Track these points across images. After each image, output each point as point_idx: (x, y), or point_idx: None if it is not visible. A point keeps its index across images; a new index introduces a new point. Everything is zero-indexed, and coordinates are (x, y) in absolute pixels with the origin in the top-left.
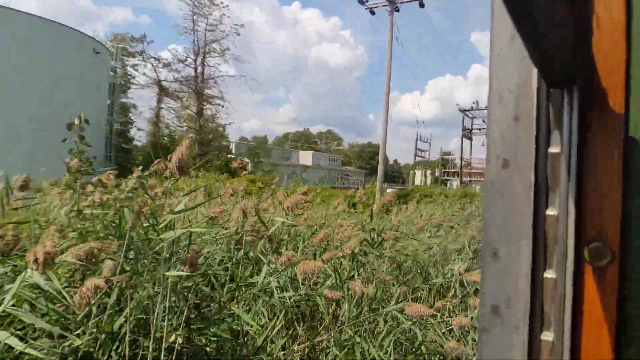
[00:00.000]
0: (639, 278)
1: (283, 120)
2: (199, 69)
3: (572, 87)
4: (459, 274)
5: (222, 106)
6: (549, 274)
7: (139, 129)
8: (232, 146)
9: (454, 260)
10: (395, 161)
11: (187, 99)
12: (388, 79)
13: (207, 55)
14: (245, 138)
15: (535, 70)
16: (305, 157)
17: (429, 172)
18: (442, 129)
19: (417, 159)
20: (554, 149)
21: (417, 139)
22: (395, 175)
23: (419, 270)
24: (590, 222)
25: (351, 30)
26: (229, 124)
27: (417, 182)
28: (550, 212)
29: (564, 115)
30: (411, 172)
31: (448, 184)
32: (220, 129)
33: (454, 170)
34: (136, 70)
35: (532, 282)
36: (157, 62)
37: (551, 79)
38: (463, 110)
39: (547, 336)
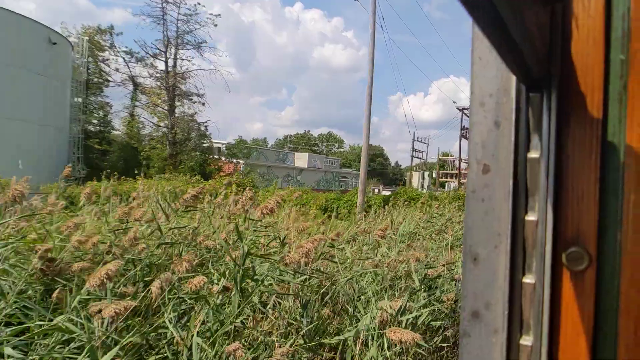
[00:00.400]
0: (615, 281)
1: (285, 123)
2: (170, 63)
3: (550, 90)
4: (382, 322)
5: (203, 103)
6: (527, 279)
7: (112, 130)
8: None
9: (386, 294)
10: (397, 163)
11: (157, 95)
12: (371, 70)
13: (180, 48)
14: (245, 140)
15: (514, 75)
16: (301, 159)
17: (426, 173)
18: (446, 131)
19: (415, 160)
20: (533, 154)
21: (413, 140)
22: (397, 177)
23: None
24: (568, 226)
25: (354, 31)
26: (205, 122)
27: (415, 184)
28: (530, 217)
29: (542, 119)
30: (407, 174)
31: (446, 186)
32: (202, 128)
33: (452, 171)
34: (107, 65)
35: (510, 287)
36: (129, 56)
37: (529, 84)
38: (462, 109)
39: (526, 340)
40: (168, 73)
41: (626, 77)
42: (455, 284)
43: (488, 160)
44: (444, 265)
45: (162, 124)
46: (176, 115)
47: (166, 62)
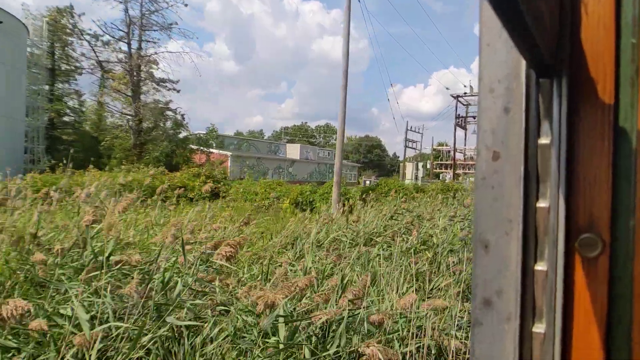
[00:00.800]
0: (629, 268)
1: (285, 116)
2: (135, 45)
3: (561, 76)
4: None
5: (178, 90)
6: (539, 266)
7: (76, 119)
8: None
9: None
10: (395, 154)
11: (120, 80)
12: (346, 44)
13: (146, 30)
14: (241, 132)
15: (524, 61)
16: (293, 151)
17: (420, 164)
18: (445, 122)
19: (411, 151)
20: (544, 140)
21: (406, 129)
22: (394, 169)
23: None
24: (581, 213)
25: (353, 23)
26: (177, 108)
27: (408, 175)
28: (541, 203)
29: (553, 105)
30: (401, 164)
31: (441, 177)
32: (178, 117)
33: (447, 162)
34: (73, 50)
35: (523, 274)
36: (94, 39)
37: (540, 69)
38: (456, 97)
39: (539, 328)
40: (131, 56)
41: (637, 62)
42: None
43: (498, 147)
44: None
45: (127, 111)
46: (141, 101)
47: (129, 44)
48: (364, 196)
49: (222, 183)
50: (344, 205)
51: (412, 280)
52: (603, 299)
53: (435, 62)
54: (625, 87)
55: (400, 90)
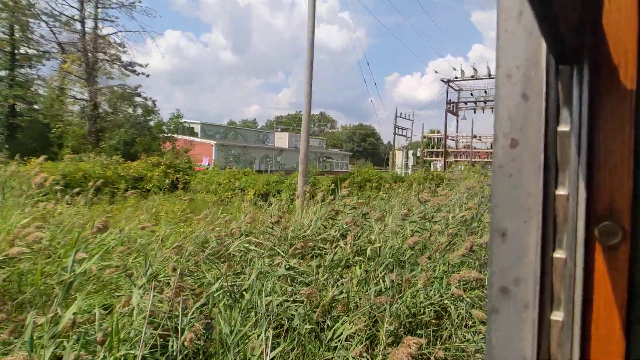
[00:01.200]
0: None
1: (283, 105)
2: (89, 24)
3: (581, 62)
4: None
5: (148, 75)
6: (558, 254)
7: (35, 107)
8: (198, 128)
9: None
10: (389, 143)
11: (70, 62)
12: (312, 16)
13: (102, 7)
14: (234, 122)
15: (544, 46)
16: (282, 139)
17: (410, 152)
18: (440, 109)
19: (402, 139)
20: (563, 127)
21: (395, 115)
22: (388, 157)
23: None
24: (601, 200)
25: (350, 12)
26: (146, 97)
27: (398, 163)
28: (560, 191)
29: (573, 92)
30: (390, 153)
31: (432, 165)
32: (149, 103)
33: (438, 149)
34: (31, 31)
35: (541, 262)
36: (52, 19)
37: (560, 55)
38: (447, 81)
39: (557, 316)
40: (85, 35)
41: None
42: None
43: (516, 134)
44: None
45: (82, 95)
46: (98, 85)
47: (82, 22)
48: (335, 187)
49: (185, 173)
50: (312, 197)
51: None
52: (623, 288)
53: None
54: None
55: (397, 79)
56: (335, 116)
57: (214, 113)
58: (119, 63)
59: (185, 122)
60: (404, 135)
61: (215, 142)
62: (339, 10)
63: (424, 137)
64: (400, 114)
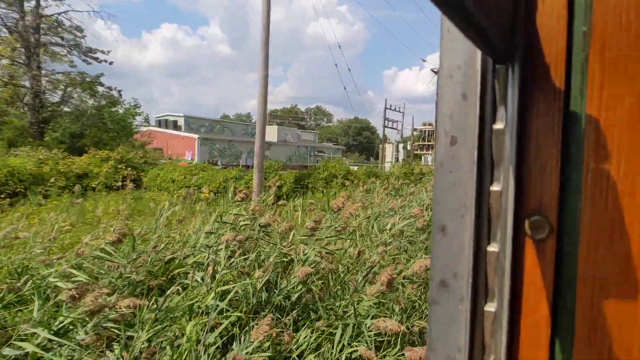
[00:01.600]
0: (574, 250)
1: (281, 100)
2: (31, 3)
3: (515, 62)
4: None
5: (111, 63)
6: (492, 248)
7: None
8: (181, 121)
9: None
10: (385, 136)
11: (5, 45)
12: (266, 10)
13: None
14: (228, 115)
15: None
16: (271, 132)
17: (401, 146)
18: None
19: (392, 132)
20: (498, 125)
21: (385, 107)
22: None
23: None
24: (531, 196)
25: (348, 6)
26: (110, 87)
27: (388, 157)
28: (495, 187)
29: (508, 91)
30: (380, 146)
31: (423, 159)
32: (114, 94)
33: (429, 143)
34: None
35: (475, 255)
36: None
37: (495, 56)
38: (437, 71)
39: (490, 307)
40: (23, 13)
41: (587, 50)
42: None
43: (455, 132)
44: None
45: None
46: (43, 71)
47: (20, 1)
48: (299, 185)
49: (140, 169)
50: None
51: None
52: (550, 279)
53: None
54: (575, 74)
55: (396, 73)
56: (334, 110)
57: (213, 106)
58: (77, 50)
59: (168, 115)
60: (394, 129)
61: (198, 136)
62: (337, 3)
63: (415, 129)
64: (390, 106)
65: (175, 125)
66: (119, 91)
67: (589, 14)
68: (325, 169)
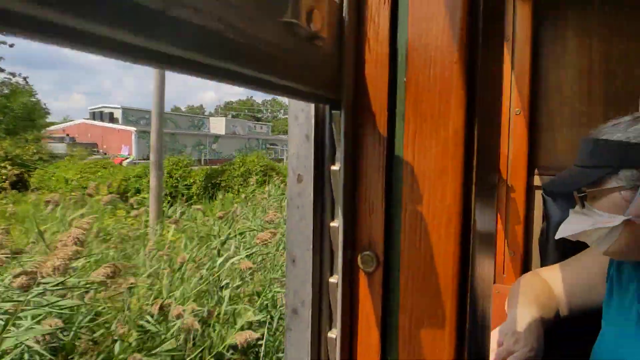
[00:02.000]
0: (397, 283)
1: (238, 91)
2: None
3: (348, 110)
4: None
5: (12, 45)
6: (333, 279)
7: None
8: (118, 113)
9: None
10: None
11: None
12: None
13: None
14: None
15: None
16: (218, 125)
17: None
18: None
19: None
20: (335, 166)
21: None
22: None
23: None
24: (363, 232)
25: None
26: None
27: None
28: (334, 223)
29: (341, 135)
30: None
31: None
32: (19, 80)
33: None
34: None
35: (319, 286)
36: None
37: (328, 103)
38: None
39: (333, 333)
40: None
41: (404, 99)
42: None
43: (301, 170)
44: None
45: None
46: None
47: None
48: (211, 182)
49: (32, 167)
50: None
51: None
52: (378, 308)
53: None
54: (399, 121)
55: None
56: (283, 100)
57: (169, 98)
58: None
59: (103, 107)
60: None
61: (135, 129)
62: None
63: None
64: None
65: (112, 118)
66: (25, 78)
67: (407, 64)
68: (242, 164)
